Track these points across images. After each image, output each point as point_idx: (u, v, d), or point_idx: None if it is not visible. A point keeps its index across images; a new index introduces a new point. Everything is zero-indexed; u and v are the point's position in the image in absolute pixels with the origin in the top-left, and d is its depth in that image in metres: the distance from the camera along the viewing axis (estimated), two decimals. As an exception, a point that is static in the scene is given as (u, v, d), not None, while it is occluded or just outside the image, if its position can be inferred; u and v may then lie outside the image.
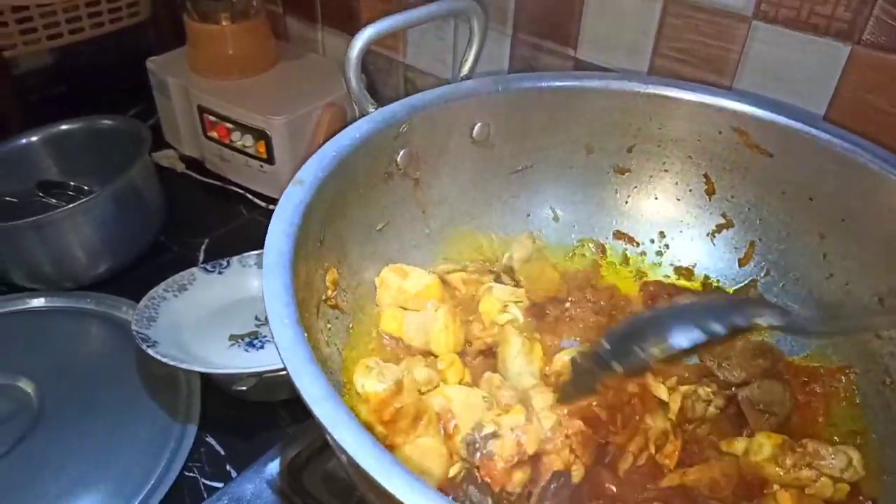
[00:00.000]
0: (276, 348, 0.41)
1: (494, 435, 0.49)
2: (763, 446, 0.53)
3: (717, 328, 0.41)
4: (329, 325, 0.56)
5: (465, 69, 0.69)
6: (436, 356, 0.61)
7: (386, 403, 0.48)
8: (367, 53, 0.61)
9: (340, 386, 0.54)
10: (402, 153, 0.64)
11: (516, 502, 0.50)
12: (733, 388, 0.58)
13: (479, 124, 0.68)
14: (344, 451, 0.36)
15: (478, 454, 0.49)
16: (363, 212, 0.62)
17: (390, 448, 0.49)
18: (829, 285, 0.64)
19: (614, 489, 0.51)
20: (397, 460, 0.36)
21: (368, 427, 0.48)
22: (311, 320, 0.52)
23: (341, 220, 0.59)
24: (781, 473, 0.52)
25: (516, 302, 0.65)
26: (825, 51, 0.66)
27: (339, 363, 0.56)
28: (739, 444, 0.54)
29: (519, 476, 0.49)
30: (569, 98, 0.69)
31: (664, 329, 0.43)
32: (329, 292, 0.57)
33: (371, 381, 0.48)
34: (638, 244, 0.74)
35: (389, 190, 0.64)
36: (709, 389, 0.57)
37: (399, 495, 0.34)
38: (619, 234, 0.74)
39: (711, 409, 0.57)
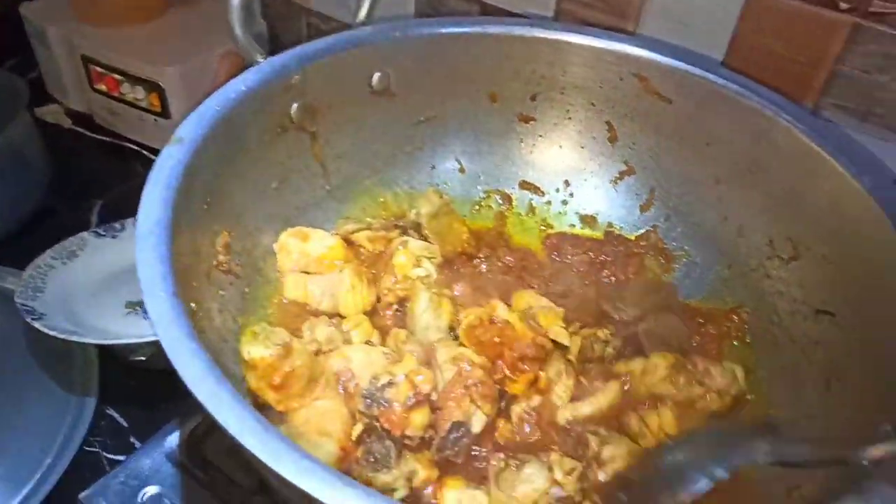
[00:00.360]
0: (151, 324, 0.38)
1: (389, 384, 0.49)
2: (658, 367, 0.56)
3: (721, 473, 0.44)
4: (222, 292, 0.54)
5: (362, 14, 0.66)
6: (344, 317, 0.59)
7: (274, 368, 0.46)
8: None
9: (237, 354, 0.51)
10: (295, 106, 0.60)
11: (418, 448, 0.50)
12: (630, 327, 0.60)
13: (378, 73, 0.65)
14: (227, 432, 0.35)
15: (375, 406, 0.49)
16: (255, 170, 0.58)
17: (285, 413, 0.47)
18: (724, 229, 0.65)
19: (509, 437, 0.52)
20: (284, 437, 0.35)
21: (259, 394, 0.47)
22: (200, 289, 0.50)
23: (231, 180, 0.55)
24: (675, 391, 0.55)
25: (430, 258, 0.64)
26: (724, -6, 0.66)
27: (235, 331, 0.53)
28: (636, 365, 0.57)
29: (418, 419, 0.49)
30: (470, 45, 0.67)
31: (676, 482, 0.45)
32: (221, 257, 0.54)
33: (257, 347, 0.47)
34: (543, 193, 0.74)
35: (284, 146, 0.61)
36: (607, 331, 0.59)
37: (285, 474, 0.33)
38: (524, 184, 0.74)
39: (609, 350, 0.59)
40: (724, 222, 0.65)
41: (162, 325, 0.38)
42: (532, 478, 0.49)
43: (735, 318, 0.62)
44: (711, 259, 0.66)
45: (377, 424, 0.49)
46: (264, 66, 0.58)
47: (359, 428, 0.50)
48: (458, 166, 0.73)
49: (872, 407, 0.46)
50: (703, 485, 0.44)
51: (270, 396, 0.47)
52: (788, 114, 0.59)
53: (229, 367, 0.48)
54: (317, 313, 0.60)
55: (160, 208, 0.44)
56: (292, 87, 0.59)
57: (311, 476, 0.33)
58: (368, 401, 0.49)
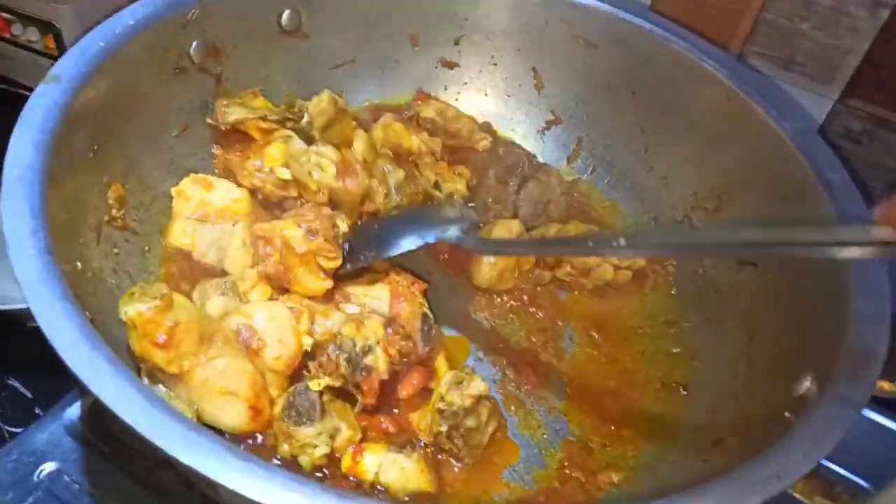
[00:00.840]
0: (18, 285, 0.34)
1: (368, 350, 0.49)
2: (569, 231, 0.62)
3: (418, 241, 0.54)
4: (116, 250, 0.49)
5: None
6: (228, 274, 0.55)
7: (155, 323, 0.42)
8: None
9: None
10: (195, 44, 0.55)
11: (371, 412, 0.51)
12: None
13: (287, 11, 0.60)
14: (103, 403, 0.31)
15: (358, 372, 0.49)
16: (152, 115, 0.53)
17: (179, 375, 0.43)
18: (649, 179, 0.65)
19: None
20: (170, 408, 0.32)
21: (145, 358, 0.42)
22: (87, 246, 0.46)
23: (123, 125, 0.51)
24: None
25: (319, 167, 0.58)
26: (652, -64, 0.64)
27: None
28: (551, 230, 0.62)
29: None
30: (389, -18, 0.63)
31: (388, 241, 0.55)
32: (114, 211, 0.49)
33: (133, 304, 0.42)
34: (470, 143, 0.71)
35: (184, 88, 0.56)
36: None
37: (168, 448, 0.30)
38: (450, 134, 0.71)
39: None
40: (649, 172, 0.65)
41: (30, 287, 0.34)
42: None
43: (660, 268, 0.62)
44: (638, 210, 0.66)
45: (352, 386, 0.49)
46: (157, -3, 0.52)
47: (325, 381, 0.48)
48: (380, 116, 0.69)
49: (793, 359, 0.46)
50: (409, 242, 0.53)
51: (158, 357, 0.42)
52: (713, 59, 0.58)
53: (125, 336, 0.44)
54: (200, 266, 0.55)
55: (31, 154, 0.40)
56: (190, 23, 0.54)
57: (196, 449, 0.30)
58: (352, 365, 0.48)
